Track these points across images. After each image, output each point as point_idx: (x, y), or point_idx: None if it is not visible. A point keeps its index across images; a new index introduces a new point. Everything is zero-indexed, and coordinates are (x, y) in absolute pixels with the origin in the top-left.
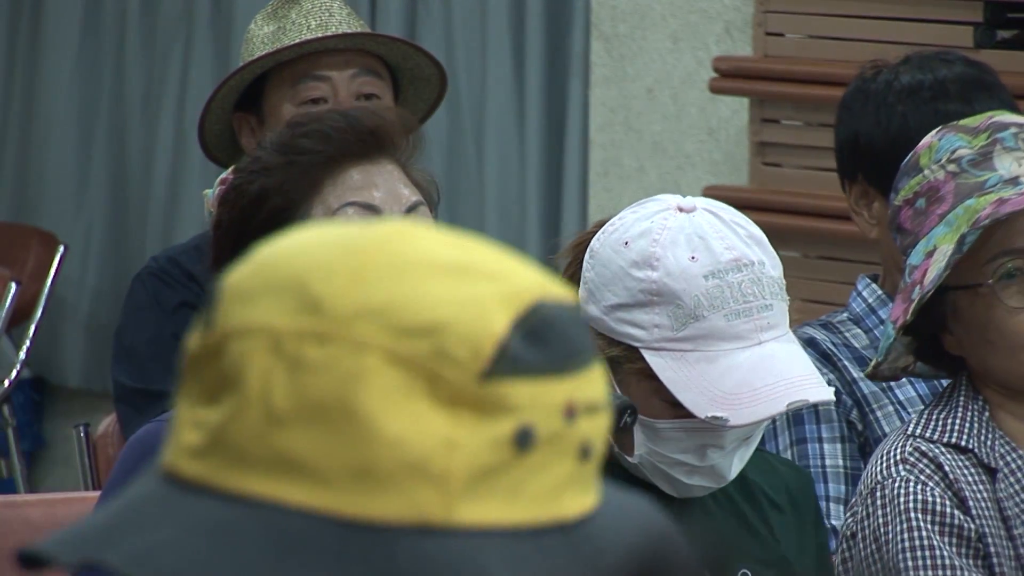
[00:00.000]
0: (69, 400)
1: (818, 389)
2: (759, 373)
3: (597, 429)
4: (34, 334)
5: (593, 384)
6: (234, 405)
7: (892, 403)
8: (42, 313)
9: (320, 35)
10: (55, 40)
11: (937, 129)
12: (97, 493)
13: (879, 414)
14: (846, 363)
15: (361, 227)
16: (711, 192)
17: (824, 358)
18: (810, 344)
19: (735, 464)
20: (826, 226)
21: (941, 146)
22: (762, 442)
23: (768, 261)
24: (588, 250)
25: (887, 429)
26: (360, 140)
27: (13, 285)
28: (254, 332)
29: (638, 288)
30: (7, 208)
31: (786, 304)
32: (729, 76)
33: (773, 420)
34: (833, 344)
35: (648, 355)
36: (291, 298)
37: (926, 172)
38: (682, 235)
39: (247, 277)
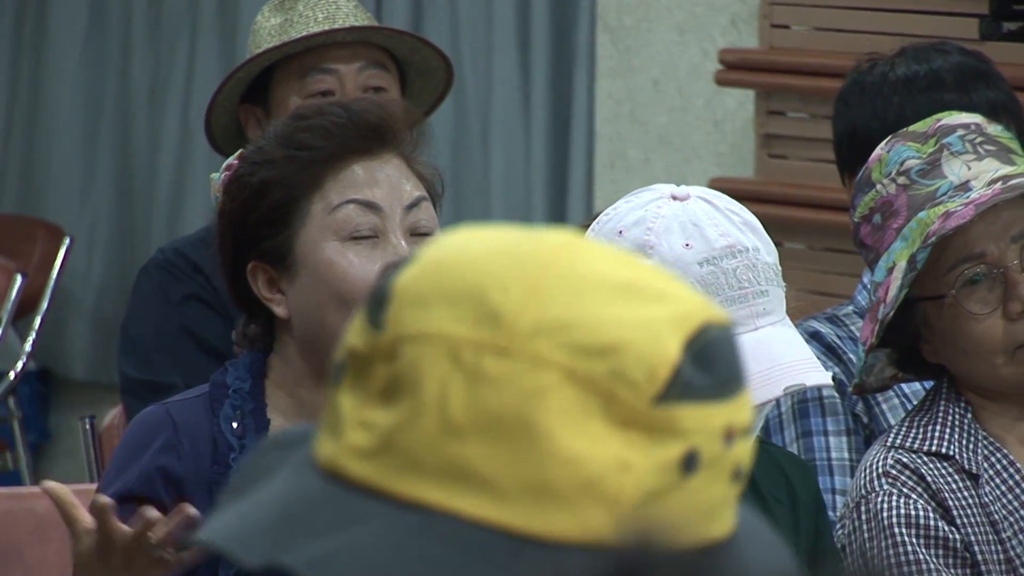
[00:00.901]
0: (74, 392)
1: (815, 373)
2: (755, 358)
3: (747, 453)
4: (40, 326)
5: (746, 408)
6: (409, 410)
7: (898, 396)
8: (48, 305)
9: (327, 28)
10: (61, 32)
11: (887, 140)
12: None
13: (885, 407)
14: (851, 356)
15: (529, 236)
16: (717, 184)
17: (829, 351)
18: (815, 337)
19: None
20: (832, 218)
21: (890, 158)
22: (767, 435)
23: (763, 247)
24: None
25: (892, 421)
26: (362, 135)
27: (19, 277)
28: (431, 339)
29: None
30: (13, 200)
31: (782, 290)
32: (735, 68)
33: (779, 413)
34: (838, 337)
35: None
36: (469, 308)
37: (878, 187)
38: (676, 223)
39: (420, 281)
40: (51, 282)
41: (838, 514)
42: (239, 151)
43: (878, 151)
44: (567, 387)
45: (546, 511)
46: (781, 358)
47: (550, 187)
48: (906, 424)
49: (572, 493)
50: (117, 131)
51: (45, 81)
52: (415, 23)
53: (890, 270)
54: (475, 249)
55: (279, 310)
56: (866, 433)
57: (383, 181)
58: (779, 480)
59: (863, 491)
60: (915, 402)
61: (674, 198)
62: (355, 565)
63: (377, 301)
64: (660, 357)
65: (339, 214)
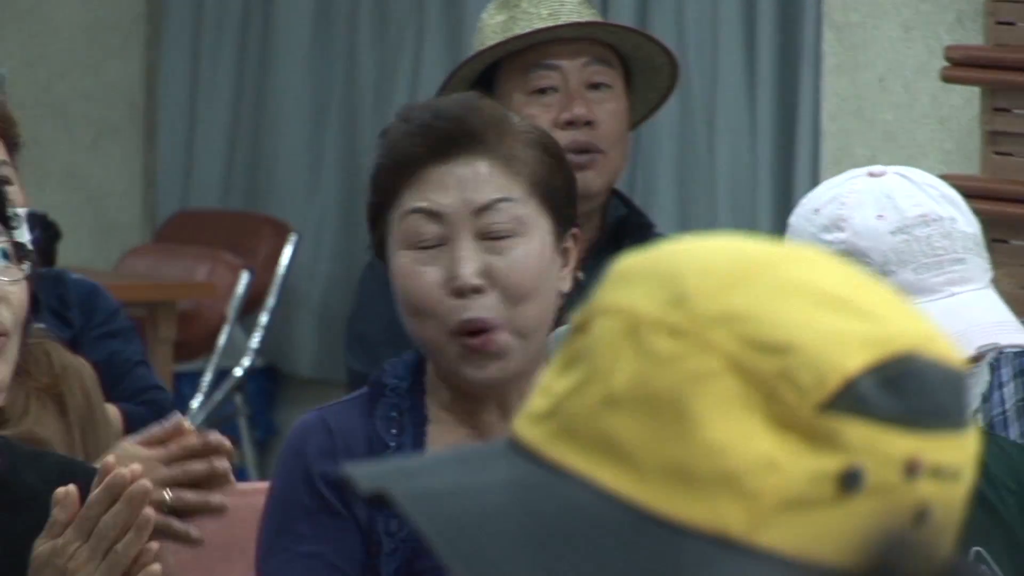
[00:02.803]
0: (301, 388)
1: (1012, 335)
2: (950, 320)
3: (945, 498)
4: (267, 323)
5: (953, 451)
6: (580, 378)
7: None
8: (275, 302)
9: (551, 24)
10: (288, 30)
11: None
12: None
13: None
14: None
15: (767, 243)
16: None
17: None
18: None
19: None
20: None
21: None
22: (992, 431)
23: (961, 218)
24: (787, 226)
25: None
26: (438, 139)
27: (245, 274)
28: (618, 313)
29: (829, 251)
30: (240, 197)
31: (984, 260)
32: (961, 65)
33: (1003, 411)
34: None
35: None
36: (663, 288)
37: None
38: (869, 196)
39: (636, 262)
40: (277, 279)
41: None
42: None
43: None
44: (729, 377)
45: (681, 495)
46: (978, 320)
47: (776, 184)
48: None
49: (710, 481)
50: (343, 128)
51: (271, 80)
52: (641, 20)
53: None
54: (698, 244)
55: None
56: None
57: (453, 186)
58: (1007, 468)
59: None
60: None
61: (871, 175)
62: (458, 507)
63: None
64: (834, 366)
65: (406, 223)
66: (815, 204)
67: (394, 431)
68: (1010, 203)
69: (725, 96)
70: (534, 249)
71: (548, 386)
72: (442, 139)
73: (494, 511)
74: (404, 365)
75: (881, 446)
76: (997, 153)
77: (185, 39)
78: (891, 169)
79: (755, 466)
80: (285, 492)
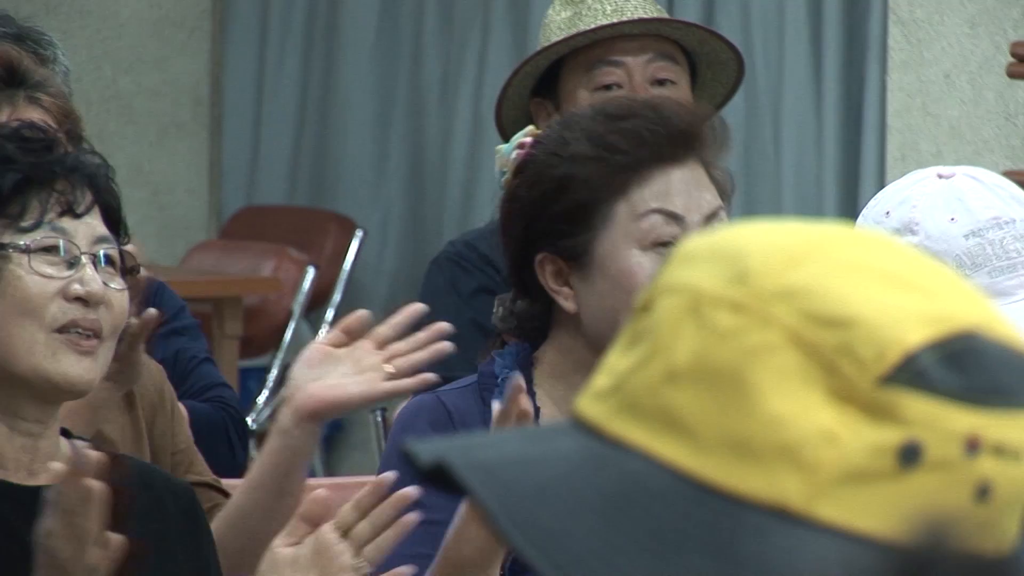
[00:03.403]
0: None
1: None
2: None
3: (1008, 476)
4: (332, 319)
5: (1017, 431)
6: (643, 355)
7: None
8: (340, 298)
9: (615, 20)
10: (353, 26)
11: None
12: None
13: None
14: None
15: (818, 225)
16: (1009, 177)
17: None
18: None
19: None
20: None
21: None
22: None
23: None
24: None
25: None
26: (672, 143)
27: (311, 269)
28: (681, 291)
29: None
30: (306, 193)
31: None
32: None
33: None
34: None
35: None
36: (726, 267)
37: None
38: (940, 199)
39: (699, 243)
40: (343, 275)
41: None
42: (527, 129)
43: None
44: (790, 350)
45: (740, 467)
46: None
47: (841, 180)
48: None
49: (768, 453)
50: (409, 125)
51: (337, 76)
52: (707, 16)
53: None
54: (761, 226)
55: (567, 304)
56: None
57: (685, 191)
58: None
59: None
60: None
61: (940, 176)
62: (516, 477)
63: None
64: (894, 340)
65: (644, 223)
66: (885, 207)
67: None
68: None
69: (791, 91)
70: None
71: (612, 365)
72: (677, 143)
73: (552, 482)
74: (511, 356)
75: (941, 421)
76: None
77: (251, 35)
78: (960, 170)
79: (815, 438)
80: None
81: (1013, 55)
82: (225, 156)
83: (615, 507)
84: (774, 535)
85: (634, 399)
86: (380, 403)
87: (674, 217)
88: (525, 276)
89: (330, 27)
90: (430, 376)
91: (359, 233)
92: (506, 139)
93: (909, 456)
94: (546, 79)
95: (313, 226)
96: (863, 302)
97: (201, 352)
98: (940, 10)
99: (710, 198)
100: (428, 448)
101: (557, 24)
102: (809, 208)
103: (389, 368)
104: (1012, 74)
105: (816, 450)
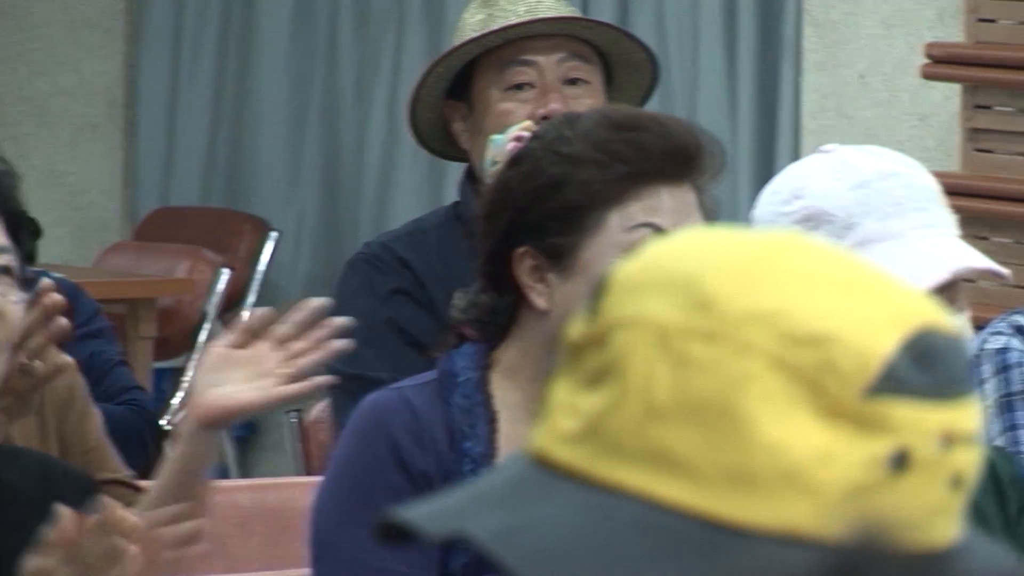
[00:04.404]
0: None
1: (984, 259)
2: (918, 260)
3: (969, 462)
4: None
5: (969, 416)
6: (615, 395)
7: None
8: (254, 299)
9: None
10: (268, 27)
11: None
12: (308, 479)
13: None
14: None
15: (753, 234)
16: None
17: None
18: (1021, 331)
19: None
20: None
21: None
22: None
23: (919, 175)
24: (751, 220)
25: None
26: (674, 161)
27: (225, 271)
28: (641, 325)
29: (792, 220)
30: (220, 194)
31: (947, 212)
32: (941, 62)
33: (984, 407)
34: None
35: None
36: (682, 295)
37: None
38: (824, 164)
39: (638, 271)
40: (257, 276)
41: None
42: (525, 123)
43: None
44: (773, 375)
45: (744, 498)
46: (949, 250)
47: (756, 180)
48: None
49: (772, 481)
50: (323, 126)
51: (251, 78)
52: (621, 17)
53: None
54: (695, 244)
55: (540, 301)
56: None
57: (678, 211)
58: (984, 468)
59: None
60: None
61: (821, 151)
62: (538, 539)
63: (597, 291)
64: (872, 350)
65: (634, 235)
66: (772, 188)
67: (470, 423)
68: (991, 200)
69: (705, 92)
70: None
71: (571, 404)
72: (679, 162)
73: (571, 542)
74: (471, 357)
75: (921, 422)
76: (977, 150)
77: (165, 36)
78: (840, 146)
79: (812, 460)
80: (366, 468)
81: (928, 56)
82: (139, 157)
83: (639, 557)
84: (790, 562)
85: (617, 441)
86: (291, 405)
87: (664, 234)
88: (497, 267)
89: (244, 28)
90: (323, 379)
91: (273, 234)
92: (420, 141)
93: (898, 463)
94: (460, 82)
95: (227, 227)
96: (832, 316)
97: (115, 355)
98: (855, 11)
99: (696, 223)
100: (424, 518)
101: (471, 26)
102: (724, 210)
103: (286, 370)
104: (927, 75)
105: (816, 471)
